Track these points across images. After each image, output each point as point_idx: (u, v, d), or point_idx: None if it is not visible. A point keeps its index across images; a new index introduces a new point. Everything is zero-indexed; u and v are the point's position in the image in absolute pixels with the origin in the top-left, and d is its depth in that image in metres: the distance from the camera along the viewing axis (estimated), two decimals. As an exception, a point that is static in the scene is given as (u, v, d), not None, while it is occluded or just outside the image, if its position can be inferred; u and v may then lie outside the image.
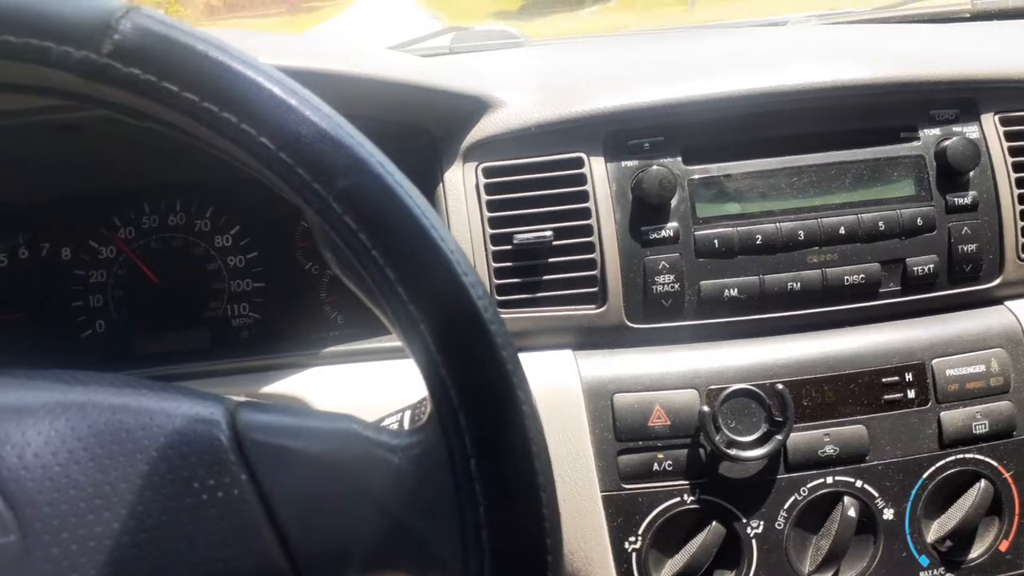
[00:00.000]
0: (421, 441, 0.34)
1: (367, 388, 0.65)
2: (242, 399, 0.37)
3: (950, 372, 0.65)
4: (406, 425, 0.49)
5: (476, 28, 1.10)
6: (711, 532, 0.61)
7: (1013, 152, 0.69)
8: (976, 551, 0.65)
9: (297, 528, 0.33)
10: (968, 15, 1.07)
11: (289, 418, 0.35)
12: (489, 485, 0.32)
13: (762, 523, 0.62)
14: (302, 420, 0.35)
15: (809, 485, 0.63)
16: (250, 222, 0.75)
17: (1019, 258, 0.69)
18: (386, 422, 0.50)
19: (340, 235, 0.32)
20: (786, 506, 0.63)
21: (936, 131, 0.69)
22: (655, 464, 0.62)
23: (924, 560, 0.64)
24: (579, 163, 0.66)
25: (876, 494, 0.63)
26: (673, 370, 0.64)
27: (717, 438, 0.60)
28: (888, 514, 0.63)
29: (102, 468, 0.32)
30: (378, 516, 0.33)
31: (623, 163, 0.66)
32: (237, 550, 0.32)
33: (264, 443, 0.33)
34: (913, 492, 0.64)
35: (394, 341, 0.69)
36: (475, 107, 0.68)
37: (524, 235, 0.65)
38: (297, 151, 0.32)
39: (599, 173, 0.66)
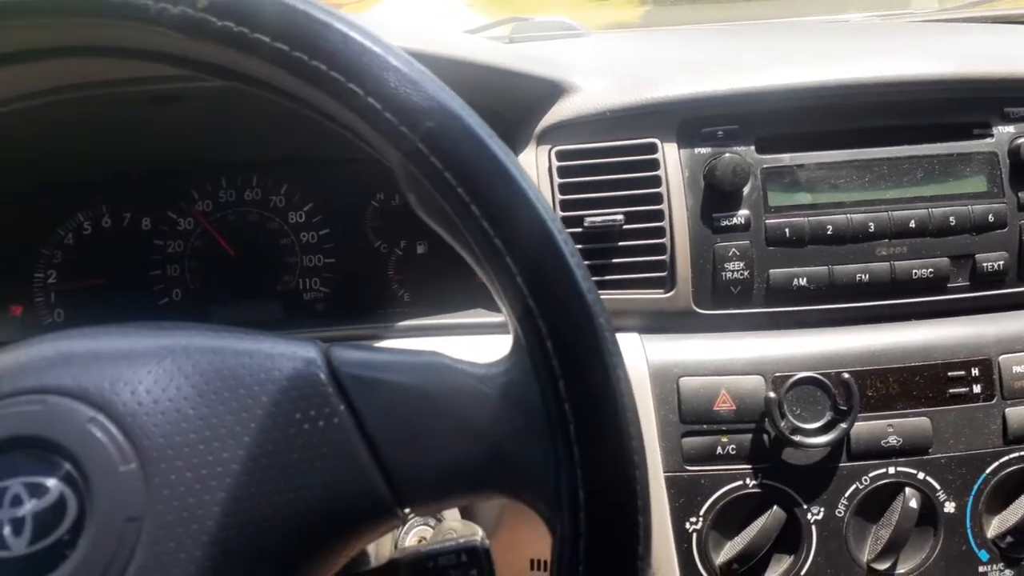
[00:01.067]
0: (508, 370, 0.36)
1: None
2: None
3: (1016, 369, 0.65)
4: None
5: (537, 19, 1.11)
6: (771, 516, 0.62)
7: (1088, 152, 0.69)
8: (1036, 548, 0.65)
9: (395, 455, 0.35)
10: (1034, 17, 1.06)
11: (380, 354, 0.37)
12: (577, 403, 0.34)
13: (822, 510, 0.63)
14: (392, 356, 0.37)
15: (871, 475, 0.63)
16: (323, 200, 0.78)
17: (1090, 258, 0.69)
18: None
19: (427, 175, 0.34)
20: (847, 494, 0.63)
21: (1010, 128, 0.69)
22: (719, 447, 0.63)
23: (984, 555, 0.64)
24: (652, 148, 0.67)
25: (938, 487, 0.64)
26: (740, 356, 0.65)
27: (782, 424, 0.61)
28: (949, 507, 0.64)
29: (209, 403, 0.34)
30: (471, 441, 0.35)
31: (696, 150, 0.67)
32: (340, 475, 0.34)
33: (359, 376, 0.35)
34: (975, 487, 0.64)
35: (460, 318, 0.71)
36: (551, 91, 0.69)
37: (595, 218, 0.66)
38: (384, 96, 0.34)
39: (672, 159, 0.67)
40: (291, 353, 0.36)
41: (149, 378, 0.34)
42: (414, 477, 0.35)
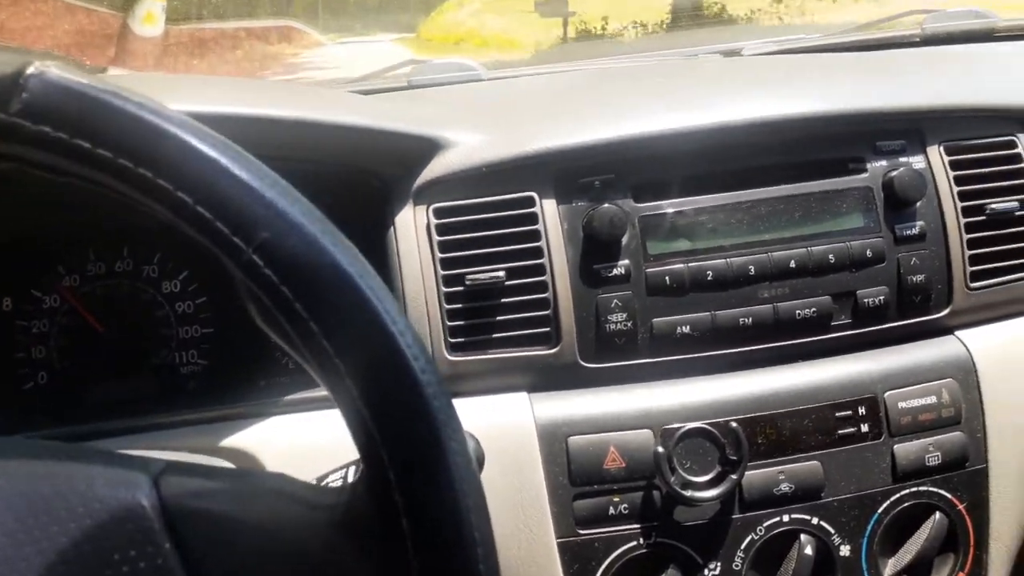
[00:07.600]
0: (351, 500, 0.33)
1: (319, 437, 0.63)
2: (169, 458, 0.36)
3: (902, 404, 0.65)
4: (350, 479, 0.48)
5: (434, 61, 1.10)
6: (668, 577, 0.61)
7: (958, 181, 0.70)
8: (934, 585, 0.64)
9: None
10: (919, 39, 1.09)
11: (216, 481, 0.34)
12: (421, 547, 0.31)
13: (719, 564, 0.62)
14: (229, 483, 0.34)
15: (766, 524, 0.62)
16: (199, 267, 0.74)
17: (967, 287, 0.69)
18: (331, 478, 0.49)
19: (262, 288, 0.31)
20: (743, 546, 0.62)
21: (883, 162, 0.70)
22: (611, 508, 0.61)
23: (882, 595, 0.64)
24: (530, 202, 0.65)
25: (832, 531, 0.63)
26: (628, 410, 0.63)
27: (672, 479, 0.60)
28: (845, 551, 0.63)
29: (16, 543, 0.30)
30: None
31: (574, 202, 0.66)
32: None
33: (190, 508, 0.32)
34: (869, 527, 0.64)
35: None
36: (425, 148, 0.67)
37: (476, 275, 0.64)
38: (216, 204, 0.31)
39: (550, 212, 0.66)
40: (116, 480, 0.32)
41: None
42: None
